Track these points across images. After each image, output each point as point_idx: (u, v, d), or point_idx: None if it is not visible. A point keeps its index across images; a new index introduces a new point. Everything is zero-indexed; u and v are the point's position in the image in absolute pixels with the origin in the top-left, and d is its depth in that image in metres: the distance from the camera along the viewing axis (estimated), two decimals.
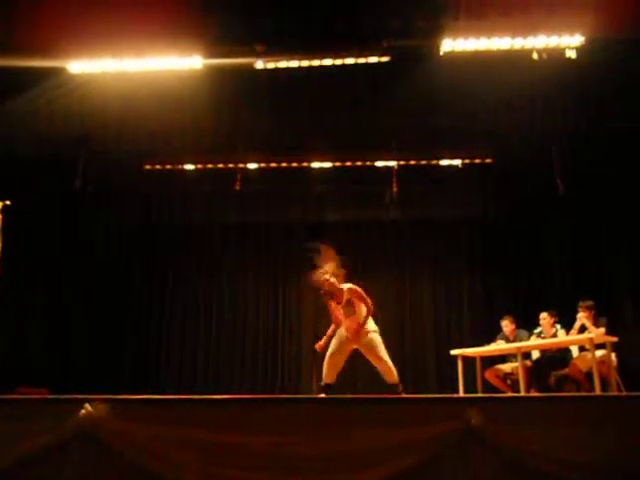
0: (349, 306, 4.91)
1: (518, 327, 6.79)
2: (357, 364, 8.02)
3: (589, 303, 6.14)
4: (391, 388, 4.95)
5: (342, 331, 4.98)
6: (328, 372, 4.99)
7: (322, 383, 5.04)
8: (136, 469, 3.28)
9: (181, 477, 3.24)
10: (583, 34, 5.72)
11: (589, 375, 5.71)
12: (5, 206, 6.17)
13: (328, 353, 5.01)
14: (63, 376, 7.25)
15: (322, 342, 5.07)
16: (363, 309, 4.92)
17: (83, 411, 3.37)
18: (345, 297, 4.92)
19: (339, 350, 4.97)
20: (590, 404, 3.55)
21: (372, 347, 4.89)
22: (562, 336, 6.29)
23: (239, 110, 6.99)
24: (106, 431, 3.35)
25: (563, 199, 7.95)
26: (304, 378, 8.43)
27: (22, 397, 4.27)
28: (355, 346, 5.02)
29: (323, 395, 4.88)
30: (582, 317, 6.05)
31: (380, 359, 4.89)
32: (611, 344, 5.72)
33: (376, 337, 4.95)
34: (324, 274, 4.92)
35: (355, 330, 4.85)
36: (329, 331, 5.08)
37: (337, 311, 4.96)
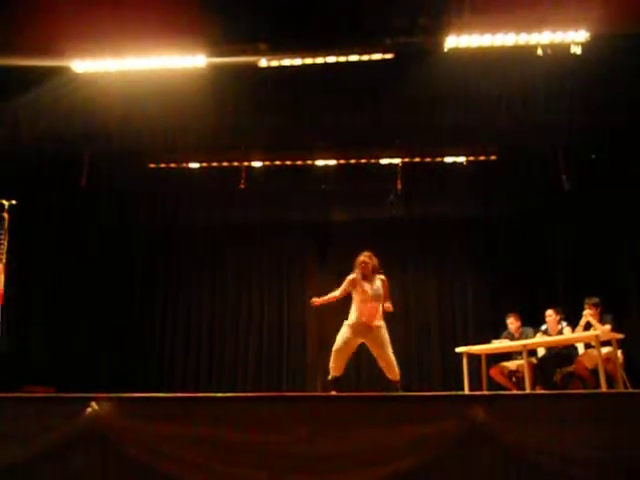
0: (377, 293, 5.09)
1: (523, 324, 6.77)
2: (361, 361, 8.04)
3: (595, 300, 6.12)
4: (392, 385, 5.06)
5: (351, 323, 5.06)
6: (335, 365, 5.06)
7: (330, 377, 5.08)
8: (141, 466, 3.30)
9: (185, 474, 3.25)
10: (588, 30, 5.68)
11: (595, 372, 5.68)
12: (11, 205, 6.21)
13: (334, 348, 5.07)
14: (67, 375, 7.28)
15: (319, 300, 5.20)
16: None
17: (89, 409, 3.39)
18: (378, 283, 5.12)
19: (346, 345, 5.04)
20: (596, 401, 3.54)
21: (382, 342, 5.01)
22: (568, 333, 6.26)
23: (243, 108, 6.97)
24: (112, 429, 3.37)
25: (568, 196, 7.92)
26: (308, 377, 8.43)
27: (29, 396, 4.29)
28: (362, 340, 5.08)
29: (333, 390, 4.96)
30: (588, 314, 6.03)
31: (387, 356, 5.00)
32: (617, 341, 5.70)
33: (386, 333, 5.09)
34: (369, 254, 5.23)
35: (374, 315, 5.03)
36: (328, 297, 5.19)
37: (358, 292, 5.07)
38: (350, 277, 5.17)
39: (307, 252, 9.03)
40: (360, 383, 7.97)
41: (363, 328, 5.00)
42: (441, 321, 8.70)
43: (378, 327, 5.03)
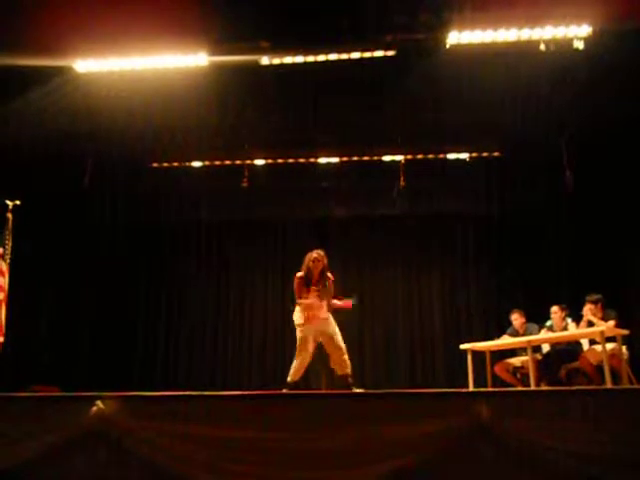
0: (326, 290, 5.17)
1: (528, 321, 6.76)
2: (365, 361, 8.06)
3: (595, 297, 6.09)
4: (344, 379, 5.01)
5: (308, 323, 5.07)
6: (299, 371, 5.05)
7: (290, 380, 5.02)
8: (146, 465, 3.31)
9: (190, 472, 3.26)
10: (591, 24, 5.65)
11: (600, 368, 5.67)
12: (15, 206, 6.24)
13: (298, 354, 5.10)
14: (72, 375, 7.31)
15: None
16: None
17: (94, 408, 3.40)
18: (326, 281, 5.22)
19: (307, 347, 5.07)
20: (601, 397, 3.53)
21: (335, 334, 5.04)
22: (573, 329, 6.25)
23: (245, 106, 6.99)
24: (117, 427, 3.38)
25: (572, 191, 7.89)
26: (312, 374, 8.43)
27: (34, 395, 4.31)
28: (319, 338, 5.10)
29: (285, 390, 4.90)
30: (588, 311, 6.02)
31: (340, 348, 5.02)
32: (622, 337, 5.68)
33: (336, 325, 5.13)
34: (322, 253, 5.29)
35: (327, 311, 5.11)
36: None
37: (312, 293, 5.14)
38: (299, 274, 5.25)
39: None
40: (364, 381, 7.97)
41: (315, 327, 5.06)
42: (445, 318, 8.70)
43: (330, 321, 5.12)
